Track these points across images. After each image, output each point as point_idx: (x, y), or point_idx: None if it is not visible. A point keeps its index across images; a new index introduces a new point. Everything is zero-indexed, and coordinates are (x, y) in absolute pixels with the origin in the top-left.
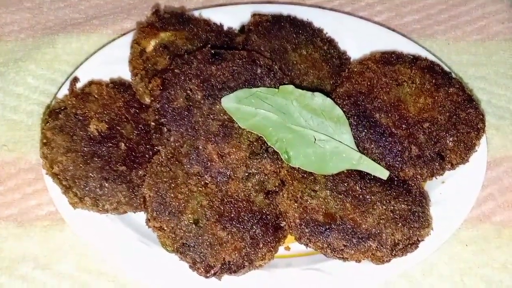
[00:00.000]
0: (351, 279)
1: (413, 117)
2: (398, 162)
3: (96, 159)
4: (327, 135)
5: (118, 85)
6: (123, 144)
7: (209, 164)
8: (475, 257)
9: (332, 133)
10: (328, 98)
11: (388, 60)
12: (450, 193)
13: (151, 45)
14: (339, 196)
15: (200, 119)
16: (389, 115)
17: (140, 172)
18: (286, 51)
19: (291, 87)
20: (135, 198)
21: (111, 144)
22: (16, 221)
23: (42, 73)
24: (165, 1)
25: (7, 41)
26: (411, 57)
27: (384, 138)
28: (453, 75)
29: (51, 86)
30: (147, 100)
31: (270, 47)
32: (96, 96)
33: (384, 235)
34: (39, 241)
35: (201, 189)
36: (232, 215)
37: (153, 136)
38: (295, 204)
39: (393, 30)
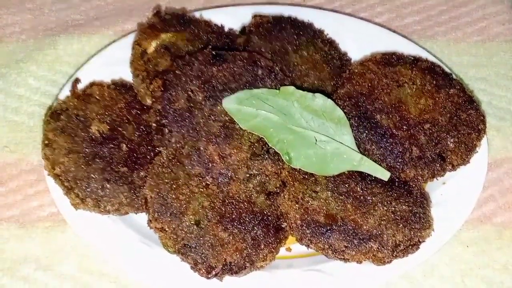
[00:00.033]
0: (352, 280)
1: (414, 118)
2: (399, 163)
3: (98, 160)
4: (328, 136)
5: (119, 86)
6: (124, 145)
7: (210, 165)
8: (476, 258)
9: (333, 134)
10: (329, 99)
11: (388, 61)
12: (451, 194)
13: (152, 46)
14: (340, 197)
15: (201, 120)
16: (390, 116)
17: (142, 173)
18: (287, 52)
19: (292, 88)
20: (137, 199)
21: (112, 145)
22: (18, 222)
23: (44, 74)
24: (166, 2)
25: (8, 42)
26: (412, 58)
27: (385, 139)
28: (454, 76)
29: (53, 87)
30: (148, 101)
31: (271, 48)
32: (97, 97)
33: (385, 236)
34: (41, 242)
35: (202, 190)
36: (234, 216)
37: (155, 137)
38: (296, 205)
39: (394, 31)
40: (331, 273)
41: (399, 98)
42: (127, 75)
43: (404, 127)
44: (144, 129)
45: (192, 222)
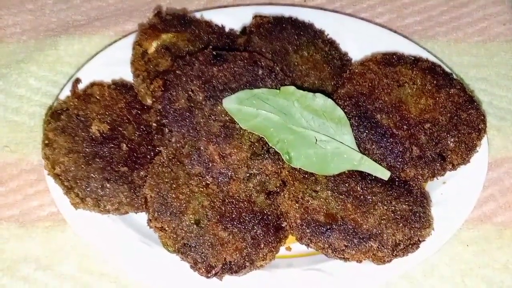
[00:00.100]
0: (352, 280)
1: (414, 118)
2: (399, 163)
3: (98, 160)
4: (328, 136)
5: (120, 86)
6: (124, 145)
7: (210, 164)
8: (476, 257)
9: (333, 134)
10: (329, 99)
11: (389, 61)
12: (451, 194)
13: (152, 46)
14: (340, 196)
15: (201, 120)
16: (390, 116)
17: (142, 173)
18: (288, 53)
19: (292, 88)
20: (137, 199)
21: (112, 145)
22: (18, 222)
23: (44, 74)
24: (167, 2)
25: (9, 43)
26: (412, 58)
27: (385, 139)
28: (454, 76)
29: (53, 87)
30: (149, 101)
31: (272, 49)
32: (98, 97)
33: (385, 235)
34: (41, 242)
35: (202, 189)
36: (233, 216)
37: (155, 137)
38: (296, 205)
39: (395, 32)
40: (331, 272)
41: (400, 98)
42: (128, 75)
43: (405, 126)
44: (144, 129)
45: (192, 222)
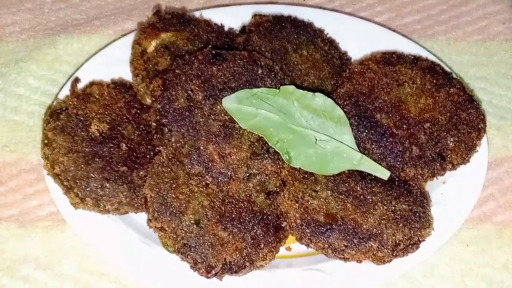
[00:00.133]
0: (352, 280)
1: (414, 117)
2: (399, 163)
3: (97, 160)
4: (328, 136)
5: (119, 85)
6: (124, 145)
7: (210, 164)
8: (476, 257)
9: (333, 133)
10: (329, 99)
11: (389, 60)
12: (451, 194)
13: (152, 45)
14: (340, 196)
15: (201, 119)
16: (390, 115)
17: (141, 173)
18: (287, 52)
19: (292, 87)
20: (136, 199)
21: (112, 145)
22: (17, 222)
23: (43, 73)
24: (166, 1)
25: (8, 42)
26: (412, 57)
27: (385, 139)
28: (454, 76)
29: (52, 86)
30: (148, 100)
31: (271, 48)
32: (97, 96)
33: (385, 235)
34: (41, 242)
35: (202, 189)
36: (233, 216)
37: (154, 137)
38: (296, 205)
39: (394, 31)
40: (330, 272)
41: (399, 97)
42: (127, 75)
43: (404, 126)
44: (143, 128)
45: (192, 222)
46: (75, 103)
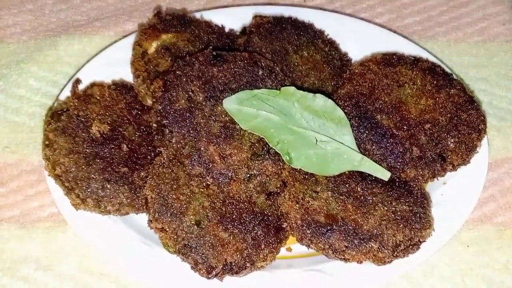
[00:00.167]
0: (352, 280)
1: (414, 118)
2: (399, 163)
3: (98, 161)
4: (329, 137)
5: (120, 86)
6: (125, 146)
7: (210, 165)
8: (476, 258)
9: (333, 134)
10: (330, 100)
11: (389, 61)
12: (452, 194)
13: (152, 47)
14: (341, 197)
15: (201, 120)
16: (391, 116)
17: (142, 174)
18: (288, 53)
19: (292, 88)
20: (137, 200)
21: (113, 146)
22: (18, 223)
23: (44, 75)
24: (167, 3)
25: (9, 43)
26: (412, 58)
27: (385, 139)
28: (454, 77)
29: (53, 88)
30: (149, 101)
31: (272, 49)
32: (98, 97)
33: (385, 236)
34: (41, 243)
35: (202, 190)
36: (234, 216)
37: (155, 138)
38: (297, 205)
39: (394, 32)
40: (331, 273)
41: (400, 98)
42: (128, 76)
43: (405, 127)
44: (144, 129)
45: (192, 222)
46: (76, 104)
